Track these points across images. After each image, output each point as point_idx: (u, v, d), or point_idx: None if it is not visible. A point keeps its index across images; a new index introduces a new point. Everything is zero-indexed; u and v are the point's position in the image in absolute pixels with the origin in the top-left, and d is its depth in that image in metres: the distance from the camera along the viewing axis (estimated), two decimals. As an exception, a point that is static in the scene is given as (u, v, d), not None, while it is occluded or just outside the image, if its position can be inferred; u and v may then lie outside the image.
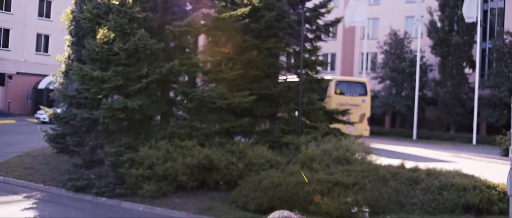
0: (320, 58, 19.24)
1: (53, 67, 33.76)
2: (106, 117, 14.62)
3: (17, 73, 43.43)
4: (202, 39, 23.36)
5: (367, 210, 11.99)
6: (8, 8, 43.35)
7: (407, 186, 12.68)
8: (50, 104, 31.34)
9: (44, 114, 35.23)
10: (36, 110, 40.02)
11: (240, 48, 17.38)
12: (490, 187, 12.57)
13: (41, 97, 41.52)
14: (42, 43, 45.50)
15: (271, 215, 2.27)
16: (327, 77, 22.84)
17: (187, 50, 17.29)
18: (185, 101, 16.72)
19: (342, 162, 14.22)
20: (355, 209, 11.89)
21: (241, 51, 17.32)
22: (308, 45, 18.70)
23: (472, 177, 13.33)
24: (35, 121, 36.83)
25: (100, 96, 15.35)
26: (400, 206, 12.36)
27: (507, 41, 35.34)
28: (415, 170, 13.59)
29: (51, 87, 37.94)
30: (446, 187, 12.46)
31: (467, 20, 32.51)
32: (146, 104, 15.07)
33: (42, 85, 42.08)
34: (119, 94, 16.00)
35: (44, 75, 42.38)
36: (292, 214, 2.26)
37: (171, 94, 17.46)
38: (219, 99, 15.97)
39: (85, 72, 15.03)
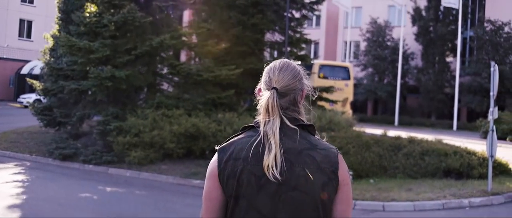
0: (305, 36, 19.43)
1: (36, 53, 33.55)
2: (94, 86, 14.74)
3: (0, 58, 43.12)
4: (187, 16, 23.50)
5: (351, 173, 12.28)
6: (-10, -6, 43.07)
7: (389, 152, 13.05)
8: (32, 91, 31.12)
9: (27, 98, 35.08)
10: (19, 95, 39.80)
11: (225, 24, 17.56)
12: (470, 153, 13.03)
13: (23, 83, 41.20)
14: (25, 28, 45.19)
15: (272, 63, 2.32)
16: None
17: (173, 25, 17.43)
18: (172, 74, 16.88)
19: (326, 131, 14.50)
20: (339, 172, 12.17)
21: (227, 27, 17.50)
22: (293, 23, 18.93)
23: (452, 145, 13.74)
24: (18, 105, 36.68)
25: (88, 68, 15.47)
26: (383, 170, 12.73)
27: (487, 29, 35.91)
28: (398, 138, 13.94)
29: (34, 72, 37.75)
30: (427, 152, 12.86)
31: (444, 4, 32.97)
32: (133, 75, 15.21)
33: (25, 70, 41.73)
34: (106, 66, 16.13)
35: (27, 61, 42.09)
36: (291, 61, 2.35)
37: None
38: (206, 72, 16.14)
39: (73, 43, 15.12)
